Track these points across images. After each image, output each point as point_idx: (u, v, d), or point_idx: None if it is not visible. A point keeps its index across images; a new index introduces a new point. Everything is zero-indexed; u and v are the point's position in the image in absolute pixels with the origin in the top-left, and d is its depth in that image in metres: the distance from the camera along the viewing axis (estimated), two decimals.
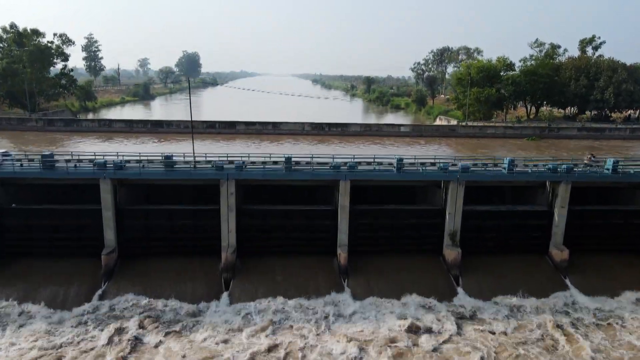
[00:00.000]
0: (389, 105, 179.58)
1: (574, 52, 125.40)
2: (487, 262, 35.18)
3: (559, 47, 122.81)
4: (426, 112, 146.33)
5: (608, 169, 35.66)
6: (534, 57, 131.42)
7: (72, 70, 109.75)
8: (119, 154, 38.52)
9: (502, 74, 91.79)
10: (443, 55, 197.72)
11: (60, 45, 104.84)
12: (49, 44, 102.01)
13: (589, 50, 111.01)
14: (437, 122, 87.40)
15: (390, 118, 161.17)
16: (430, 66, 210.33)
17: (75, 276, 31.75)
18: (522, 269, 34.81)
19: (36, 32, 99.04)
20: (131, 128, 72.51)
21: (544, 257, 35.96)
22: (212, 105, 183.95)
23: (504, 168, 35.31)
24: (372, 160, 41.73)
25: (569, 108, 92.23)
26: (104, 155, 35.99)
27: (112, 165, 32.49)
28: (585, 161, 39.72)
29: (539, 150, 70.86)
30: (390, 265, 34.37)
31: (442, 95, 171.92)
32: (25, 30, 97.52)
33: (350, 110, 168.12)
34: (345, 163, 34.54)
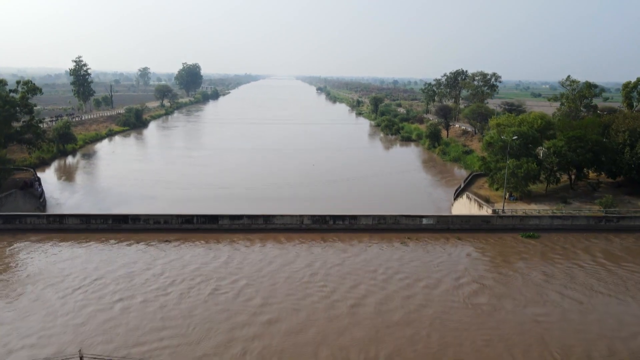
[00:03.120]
0: (399, 136, 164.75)
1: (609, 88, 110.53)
2: None
3: (595, 86, 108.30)
4: (441, 150, 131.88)
5: None
6: (564, 96, 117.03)
7: (40, 121, 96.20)
8: None
9: (538, 131, 77.03)
10: (457, 79, 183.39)
11: (26, 93, 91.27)
12: (12, 94, 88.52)
13: (635, 95, 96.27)
14: (464, 200, 72.52)
15: (401, 152, 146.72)
16: (442, 89, 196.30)
17: None
18: None
19: None
20: (88, 225, 58.27)
21: None
22: (212, 124, 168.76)
23: None
24: None
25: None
26: None
27: None
28: None
29: (544, 259, 53.02)
30: None
31: (457, 125, 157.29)
32: None
33: (355, 136, 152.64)
34: None
